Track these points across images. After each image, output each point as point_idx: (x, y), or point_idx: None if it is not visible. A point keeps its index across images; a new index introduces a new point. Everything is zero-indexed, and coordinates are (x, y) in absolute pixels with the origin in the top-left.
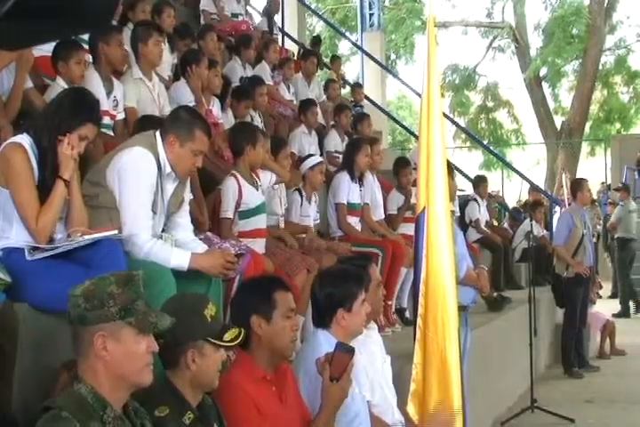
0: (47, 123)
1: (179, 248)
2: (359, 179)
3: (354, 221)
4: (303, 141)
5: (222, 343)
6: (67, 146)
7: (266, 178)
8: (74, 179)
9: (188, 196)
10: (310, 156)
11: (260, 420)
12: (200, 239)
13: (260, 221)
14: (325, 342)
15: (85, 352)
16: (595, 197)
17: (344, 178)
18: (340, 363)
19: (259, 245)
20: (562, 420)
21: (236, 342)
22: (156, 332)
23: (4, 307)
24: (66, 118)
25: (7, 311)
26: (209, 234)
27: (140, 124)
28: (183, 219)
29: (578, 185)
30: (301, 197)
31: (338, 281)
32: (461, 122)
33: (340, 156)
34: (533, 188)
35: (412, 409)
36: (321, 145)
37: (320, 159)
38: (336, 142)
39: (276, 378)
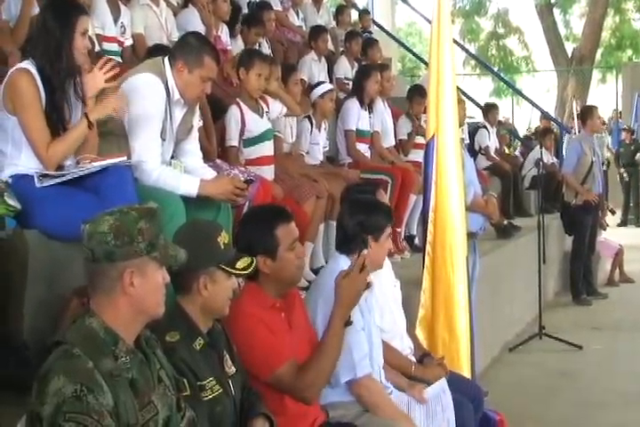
0: (43, 44)
1: (187, 175)
2: (369, 106)
3: (363, 148)
4: (313, 68)
5: (234, 271)
6: (97, 73)
7: (276, 107)
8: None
9: (197, 122)
10: (320, 83)
11: (276, 342)
12: (209, 166)
13: (266, 149)
14: (345, 266)
15: (109, 288)
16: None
17: (353, 105)
18: None
19: (266, 173)
20: (569, 346)
21: (247, 271)
22: (173, 264)
23: (15, 233)
24: (55, 30)
25: (17, 238)
26: (218, 161)
27: (150, 54)
28: (192, 145)
29: (587, 112)
30: (311, 124)
31: (369, 211)
32: (471, 49)
33: (350, 82)
34: (544, 115)
35: (420, 334)
36: (330, 72)
37: (330, 87)
38: (346, 69)
39: (284, 305)
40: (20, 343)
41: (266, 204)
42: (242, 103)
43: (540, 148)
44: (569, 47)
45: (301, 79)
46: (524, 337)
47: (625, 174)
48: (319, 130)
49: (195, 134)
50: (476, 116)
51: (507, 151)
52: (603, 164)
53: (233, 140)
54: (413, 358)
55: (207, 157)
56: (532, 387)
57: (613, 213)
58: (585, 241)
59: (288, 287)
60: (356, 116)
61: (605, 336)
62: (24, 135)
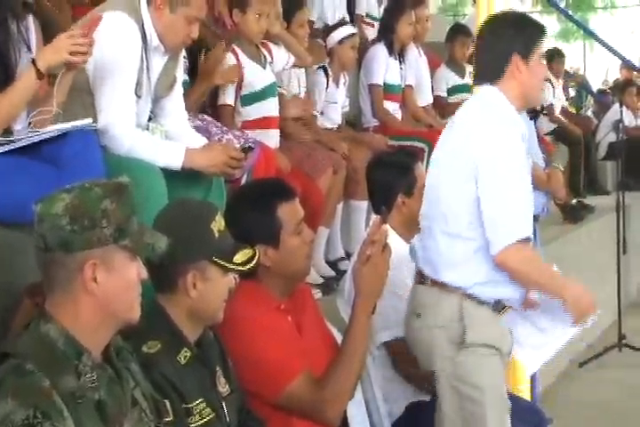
0: None
1: (170, 142)
2: (400, 53)
3: (393, 107)
4: (325, 3)
5: (232, 266)
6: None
7: (281, 57)
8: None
9: (181, 75)
10: (340, 25)
11: (284, 352)
12: (196, 128)
13: (271, 108)
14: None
15: (67, 286)
16: None
17: (380, 52)
18: None
19: (270, 138)
20: None
21: (249, 266)
22: (150, 255)
23: None
24: None
25: None
26: (207, 118)
27: None
28: (175, 104)
29: None
30: (327, 77)
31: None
32: None
33: (376, 23)
34: (625, 63)
35: None
36: (350, 8)
37: (352, 30)
38: (370, 4)
39: (291, 306)
40: None
41: (264, 178)
42: (239, 50)
43: (620, 106)
44: None
45: (310, 21)
46: (600, 349)
47: None
48: (337, 85)
49: (179, 90)
50: None
51: (575, 111)
52: None
53: (228, 96)
54: None
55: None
56: (609, 411)
57: None
58: None
59: (295, 283)
60: (384, 68)
61: None
62: None
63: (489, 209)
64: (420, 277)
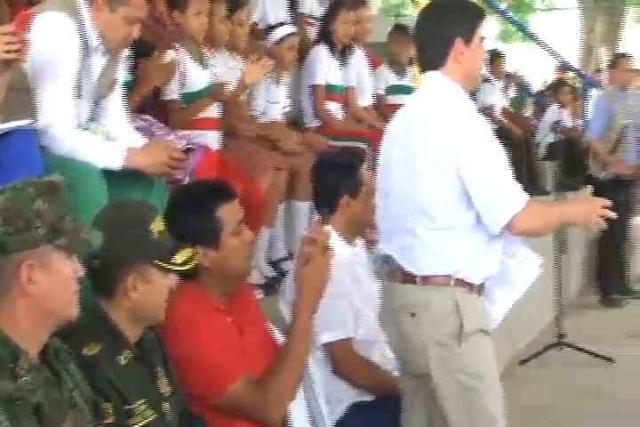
0: None
1: (110, 142)
2: (341, 54)
3: (335, 107)
4: (267, 4)
5: (172, 267)
6: None
7: (226, 58)
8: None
9: (122, 76)
10: (280, 25)
11: (225, 353)
12: (138, 129)
13: (211, 109)
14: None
15: (3, 288)
16: None
17: (322, 53)
18: None
19: (212, 139)
20: (597, 359)
21: (189, 266)
22: (87, 252)
23: None
24: None
25: None
26: (150, 119)
27: None
28: (116, 104)
29: (618, 62)
30: (267, 78)
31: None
32: None
33: (318, 23)
34: (561, 64)
35: None
36: (293, 8)
37: (291, 30)
38: (312, 4)
39: (231, 306)
40: None
41: (204, 179)
42: (182, 50)
43: (560, 107)
44: None
45: (253, 21)
46: (539, 347)
47: None
48: (277, 85)
49: (119, 91)
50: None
51: (515, 112)
52: None
53: (173, 92)
54: (396, 373)
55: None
56: (549, 410)
57: None
58: (616, 225)
59: (236, 283)
60: (326, 68)
61: None
62: None
63: (484, 190)
64: (404, 277)
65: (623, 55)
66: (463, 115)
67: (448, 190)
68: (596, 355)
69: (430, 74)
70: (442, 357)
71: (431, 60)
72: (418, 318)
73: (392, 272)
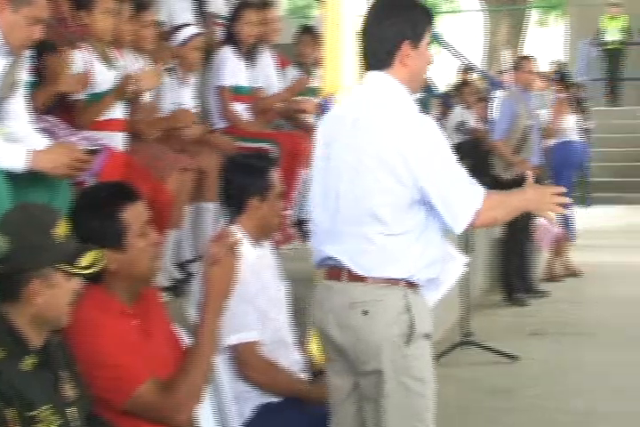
0: None
1: (13, 143)
2: (249, 54)
3: (242, 108)
4: (174, 4)
5: (76, 270)
6: None
7: (132, 59)
8: None
9: (24, 76)
10: (184, 26)
11: (131, 356)
12: (42, 130)
13: (116, 110)
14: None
15: None
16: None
17: (229, 54)
18: None
19: (117, 140)
20: (502, 357)
21: (92, 270)
22: None
23: None
24: None
25: None
26: (53, 120)
27: None
28: (18, 105)
29: (521, 63)
30: (174, 79)
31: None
32: None
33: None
34: (466, 66)
35: (314, 346)
36: (200, 8)
37: (195, 31)
38: (219, 4)
39: (137, 309)
40: None
41: (108, 180)
42: (86, 49)
43: (465, 108)
44: None
45: (158, 21)
46: (445, 346)
47: None
48: (184, 86)
49: (22, 91)
50: None
51: None
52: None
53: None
54: (304, 376)
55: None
56: (456, 409)
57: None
58: (519, 225)
59: (142, 286)
60: (232, 69)
61: (547, 344)
62: None
63: (444, 192)
64: (351, 276)
65: (526, 57)
66: (414, 118)
67: (401, 195)
68: (501, 353)
69: (375, 74)
70: (394, 356)
71: (377, 59)
72: (372, 316)
73: (335, 272)
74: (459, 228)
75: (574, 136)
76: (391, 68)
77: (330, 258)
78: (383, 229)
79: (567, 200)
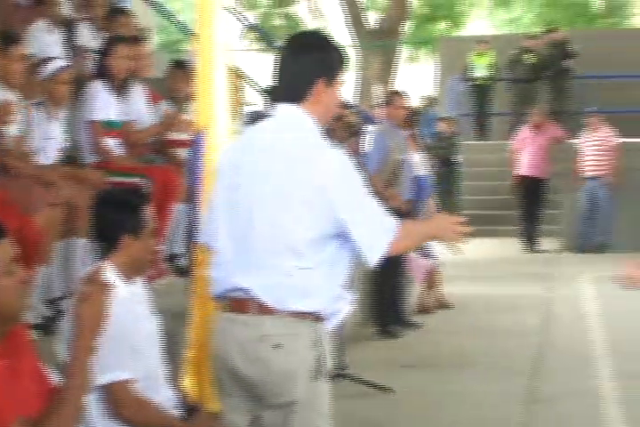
0: None
1: None
2: (120, 89)
3: (113, 143)
4: (44, 39)
5: None
6: None
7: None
8: None
9: None
10: (51, 59)
11: None
12: None
13: None
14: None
15: None
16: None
17: (98, 88)
18: None
19: None
20: (375, 389)
21: None
22: None
23: None
24: None
25: None
26: None
27: None
28: None
29: (392, 98)
30: (42, 113)
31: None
32: (251, 18)
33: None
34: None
35: (188, 382)
36: (69, 41)
37: (63, 64)
38: (88, 38)
39: (5, 348)
40: None
41: None
42: None
43: (340, 143)
44: (372, 17)
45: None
46: None
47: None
48: (51, 120)
49: None
50: (258, 102)
51: None
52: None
53: None
54: (177, 413)
55: None
56: None
57: None
58: (391, 258)
59: (9, 325)
60: (103, 103)
61: (419, 375)
62: None
63: (362, 226)
64: (261, 308)
65: (397, 92)
66: (331, 152)
67: (319, 229)
68: (374, 385)
69: (289, 107)
70: (306, 389)
71: (291, 92)
72: (285, 349)
73: (241, 304)
74: (374, 258)
75: (421, 171)
76: (305, 103)
77: (239, 289)
78: (299, 263)
79: (469, 229)
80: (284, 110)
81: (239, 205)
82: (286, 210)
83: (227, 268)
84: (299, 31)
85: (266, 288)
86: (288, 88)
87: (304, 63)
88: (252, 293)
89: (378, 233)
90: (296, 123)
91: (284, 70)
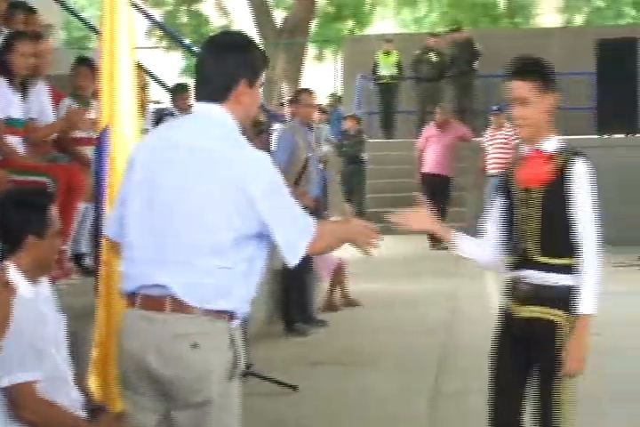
0: None
1: None
2: (21, 86)
3: (15, 141)
4: None
5: None
6: None
7: None
8: None
9: None
10: None
11: None
12: None
13: None
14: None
15: None
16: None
17: (0, 85)
18: None
19: None
20: (281, 387)
21: None
22: None
23: None
24: None
25: None
26: None
27: None
28: None
29: (299, 97)
30: None
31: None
32: (157, 15)
33: None
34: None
35: (93, 382)
36: None
37: None
38: None
39: None
40: None
41: None
42: None
43: (248, 141)
44: (278, 16)
45: None
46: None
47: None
48: None
49: None
50: (164, 100)
51: None
52: (321, 161)
53: None
54: (83, 414)
55: None
56: None
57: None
58: None
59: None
60: (5, 101)
61: (326, 373)
62: None
63: (283, 227)
64: (175, 306)
65: (305, 90)
66: (253, 152)
67: (241, 229)
68: (280, 383)
69: (209, 105)
70: (221, 388)
71: (212, 92)
72: (202, 348)
73: (155, 301)
74: (294, 258)
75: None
76: (226, 103)
77: (156, 286)
78: (220, 262)
79: (381, 237)
80: (205, 109)
81: (156, 200)
82: (208, 209)
83: (143, 265)
84: (221, 31)
85: (185, 286)
86: (210, 87)
87: (226, 63)
88: (172, 290)
89: (298, 234)
90: (217, 122)
91: (205, 70)
